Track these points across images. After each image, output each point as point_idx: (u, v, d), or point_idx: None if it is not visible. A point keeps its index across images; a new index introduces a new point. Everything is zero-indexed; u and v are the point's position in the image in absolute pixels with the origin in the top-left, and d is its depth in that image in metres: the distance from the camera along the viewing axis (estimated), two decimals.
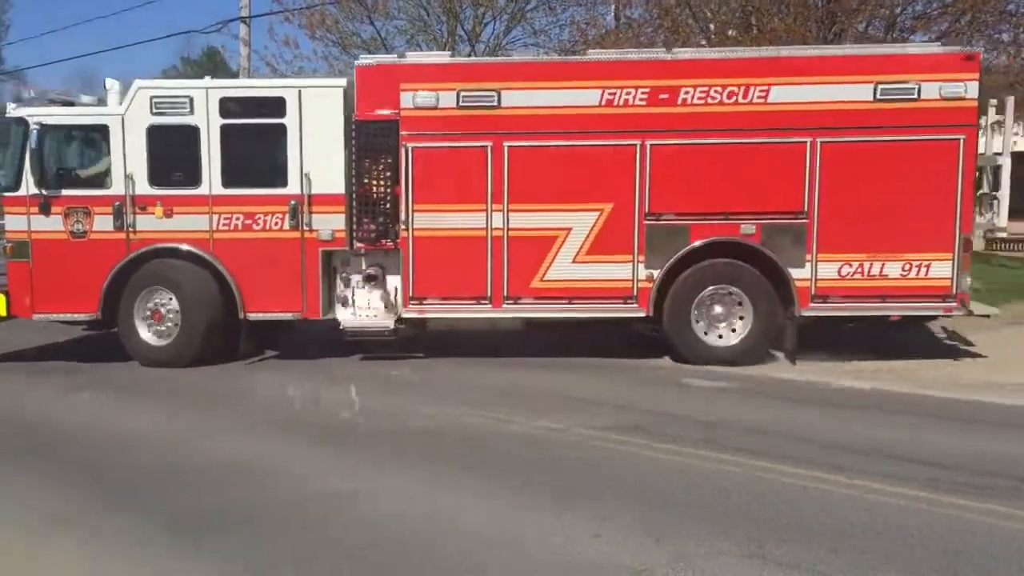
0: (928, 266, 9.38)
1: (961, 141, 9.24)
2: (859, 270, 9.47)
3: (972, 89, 9.11)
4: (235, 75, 26.35)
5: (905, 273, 9.41)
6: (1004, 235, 14.74)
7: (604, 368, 9.71)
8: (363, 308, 10.16)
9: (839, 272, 9.50)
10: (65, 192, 10.05)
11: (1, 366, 10.47)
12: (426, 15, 21.84)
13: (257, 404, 8.45)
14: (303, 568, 4.49)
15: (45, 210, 10.02)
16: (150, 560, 4.65)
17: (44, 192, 9.99)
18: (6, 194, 10.26)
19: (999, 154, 11.74)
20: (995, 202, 10.28)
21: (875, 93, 9.31)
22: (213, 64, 71.46)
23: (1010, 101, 10.04)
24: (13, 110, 10.28)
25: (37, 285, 10.11)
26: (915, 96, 9.26)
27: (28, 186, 9.97)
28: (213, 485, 5.83)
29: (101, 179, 10.12)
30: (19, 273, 10.12)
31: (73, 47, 79.53)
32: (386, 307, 10.08)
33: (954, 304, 9.40)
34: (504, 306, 9.82)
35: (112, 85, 10.20)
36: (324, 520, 5.11)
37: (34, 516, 5.35)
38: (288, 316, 10.06)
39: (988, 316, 9.87)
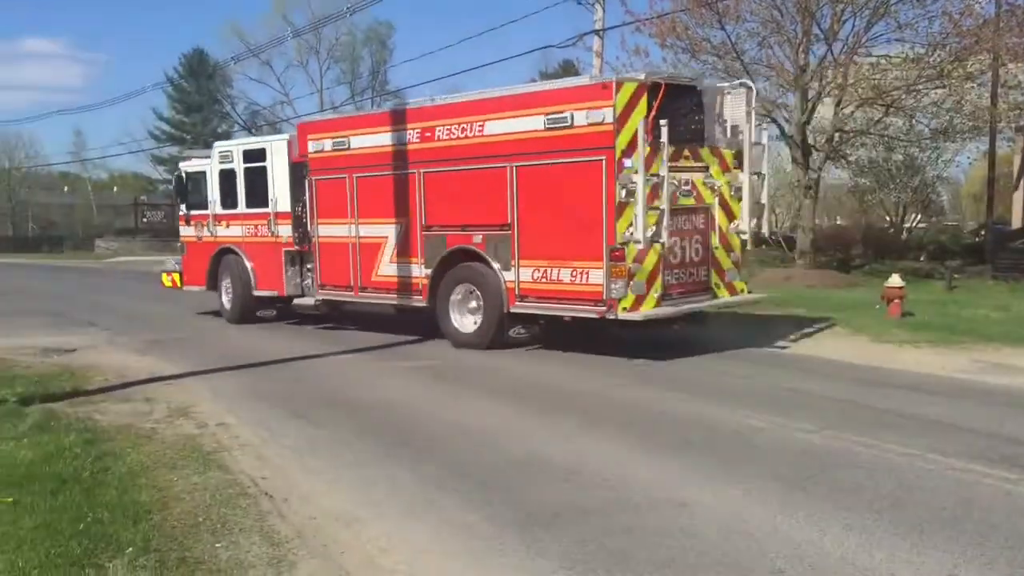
0: (587, 273, 10.60)
1: (603, 162, 10.27)
2: (544, 275, 11.11)
3: (609, 115, 10.13)
4: None
5: (574, 279, 10.76)
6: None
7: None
8: (314, 290, 14.35)
9: (532, 276, 11.23)
10: (194, 212, 16.20)
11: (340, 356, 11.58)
12: (779, 16, 21.22)
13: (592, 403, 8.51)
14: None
15: (187, 223, 16.43)
16: (486, 553, 4.86)
17: (187, 212, 16.35)
18: (179, 213, 16.60)
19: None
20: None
21: (545, 123, 10.76)
22: (569, 76, 74.85)
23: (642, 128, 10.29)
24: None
25: (186, 269, 16.66)
26: (570, 124, 10.54)
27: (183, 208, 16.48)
28: (556, 482, 5.97)
29: (207, 204, 15.87)
30: (182, 261, 16.74)
31: (446, 66, 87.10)
32: None
33: (604, 308, 10.46)
34: (359, 294, 13.48)
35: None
36: (654, 527, 5.11)
37: (398, 502, 5.72)
38: (272, 294, 15.00)
39: (641, 320, 10.55)
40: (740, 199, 11.58)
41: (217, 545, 4.87)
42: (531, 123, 10.95)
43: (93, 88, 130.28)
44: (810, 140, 23.17)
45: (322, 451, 6.96)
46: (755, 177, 11.53)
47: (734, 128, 11.49)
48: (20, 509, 5.22)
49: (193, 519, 5.25)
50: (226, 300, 15.82)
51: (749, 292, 12.40)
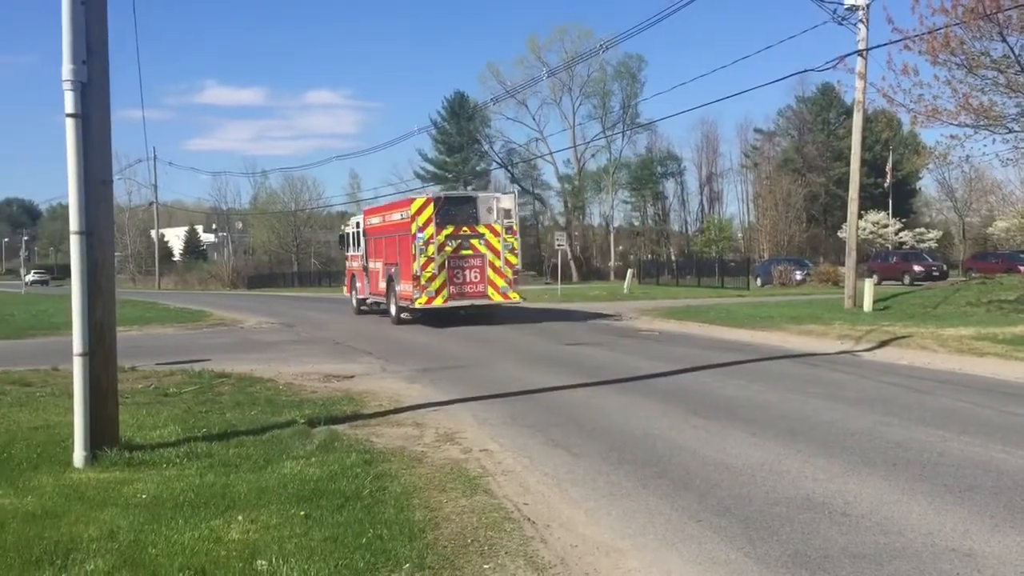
0: (410, 286, 22.04)
1: (410, 236, 21.98)
2: (403, 288, 22.86)
3: (409, 214, 22.09)
4: (848, 110, 26.71)
5: (406, 289, 22.35)
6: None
7: None
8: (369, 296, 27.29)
9: (401, 288, 22.87)
10: (348, 253, 29.55)
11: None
12: None
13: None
14: None
15: (346, 259, 30.43)
16: None
17: (346, 253, 30.15)
18: (345, 254, 31.08)
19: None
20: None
21: (399, 216, 23.09)
22: (827, 100, 72.10)
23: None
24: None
25: (347, 283, 30.88)
26: (403, 218, 22.64)
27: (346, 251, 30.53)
28: (822, 523, 5.77)
29: (348, 249, 29.37)
30: (346, 279, 31.29)
31: (697, 97, 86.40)
32: None
33: (409, 303, 22.19)
34: (373, 297, 26.30)
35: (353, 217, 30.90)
36: None
37: (657, 534, 5.74)
38: (365, 297, 27.34)
39: (429, 308, 22.21)
40: (509, 250, 22.47)
41: (485, 566, 5.08)
42: (399, 216, 23.36)
43: (367, 133, 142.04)
44: None
45: (581, 480, 7.07)
46: (518, 239, 23.04)
47: (507, 212, 22.79)
48: (311, 522, 5.71)
49: (462, 540, 5.51)
50: (354, 302, 28.99)
51: (522, 298, 23.30)
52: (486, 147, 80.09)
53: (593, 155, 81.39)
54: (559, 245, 42.89)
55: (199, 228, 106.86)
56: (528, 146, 79.93)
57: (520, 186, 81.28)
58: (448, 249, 22.02)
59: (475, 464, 7.58)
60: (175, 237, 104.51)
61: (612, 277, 71.39)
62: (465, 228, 22.34)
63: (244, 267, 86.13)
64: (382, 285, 24.93)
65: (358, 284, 28.15)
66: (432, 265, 21.73)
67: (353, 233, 28.77)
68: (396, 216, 23.66)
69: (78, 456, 7.34)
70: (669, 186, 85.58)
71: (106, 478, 6.87)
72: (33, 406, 10.27)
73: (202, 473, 6.98)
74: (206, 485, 6.60)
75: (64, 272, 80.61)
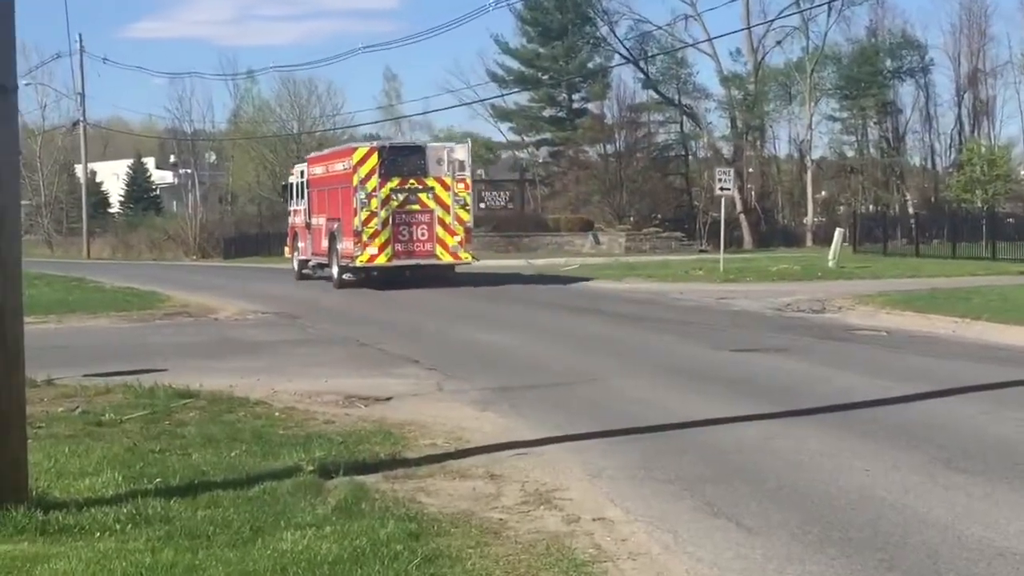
0: (351, 243, 33.17)
1: (351, 188, 32.89)
2: (345, 246, 33.89)
3: (350, 164, 33.26)
4: None
5: (348, 247, 33.47)
6: None
7: None
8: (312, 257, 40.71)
9: (343, 246, 34.20)
10: (291, 207, 43.98)
11: None
12: None
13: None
14: None
15: (290, 214, 44.14)
16: None
17: (289, 207, 44.71)
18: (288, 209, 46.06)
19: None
20: None
21: (341, 167, 35.20)
22: None
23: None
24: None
25: (289, 243, 44.40)
26: (345, 167, 34.20)
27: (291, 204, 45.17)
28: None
29: (292, 202, 43.58)
30: (288, 239, 45.04)
31: None
32: None
33: (350, 260, 33.35)
34: (317, 258, 38.51)
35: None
36: None
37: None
38: (307, 259, 40.07)
39: (370, 267, 33.90)
40: (461, 205, 33.20)
41: None
42: (341, 166, 35.01)
43: (412, 11, 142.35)
44: None
45: (758, 570, 7.06)
46: (471, 194, 35.35)
47: (461, 164, 33.41)
48: None
49: None
50: (296, 264, 40.50)
51: (474, 259, 34.60)
52: (603, 31, 79.67)
53: (779, 42, 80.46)
54: (722, 189, 41.07)
55: (149, 162, 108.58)
56: (672, 29, 79.17)
57: (659, 93, 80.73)
58: (393, 203, 32.48)
59: (585, 541, 7.62)
60: (113, 175, 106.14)
61: (809, 242, 70.68)
62: (412, 181, 32.77)
63: (219, 224, 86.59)
64: (324, 244, 36.23)
65: (300, 244, 40.59)
66: (375, 220, 32.05)
67: (297, 183, 41.47)
68: (339, 166, 35.08)
69: None
70: (906, 93, 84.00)
71: (9, 552, 7.05)
72: None
73: (155, 548, 7.11)
74: (162, 566, 6.73)
75: None
